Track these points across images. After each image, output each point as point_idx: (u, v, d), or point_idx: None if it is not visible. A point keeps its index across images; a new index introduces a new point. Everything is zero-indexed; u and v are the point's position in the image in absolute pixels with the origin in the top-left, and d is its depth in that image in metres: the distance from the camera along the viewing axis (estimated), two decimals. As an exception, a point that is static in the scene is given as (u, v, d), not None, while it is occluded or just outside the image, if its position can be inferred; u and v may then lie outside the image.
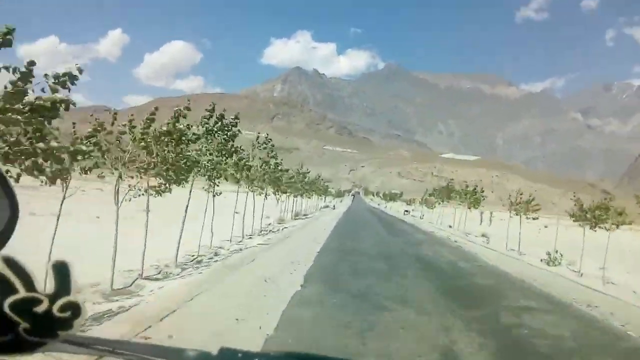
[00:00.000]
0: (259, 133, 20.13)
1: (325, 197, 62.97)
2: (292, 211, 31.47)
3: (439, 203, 41.00)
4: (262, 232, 19.67)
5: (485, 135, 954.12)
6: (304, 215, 36.01)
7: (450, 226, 33.92)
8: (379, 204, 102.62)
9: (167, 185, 9.10)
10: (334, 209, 54.55)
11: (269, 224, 23.24)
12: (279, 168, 21.86)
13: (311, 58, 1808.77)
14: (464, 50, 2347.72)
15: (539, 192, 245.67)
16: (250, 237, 17.24)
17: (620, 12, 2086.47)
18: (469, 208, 33.38)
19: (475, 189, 33.74)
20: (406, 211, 60.90)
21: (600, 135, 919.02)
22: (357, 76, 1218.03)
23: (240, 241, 15.66)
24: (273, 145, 20.11)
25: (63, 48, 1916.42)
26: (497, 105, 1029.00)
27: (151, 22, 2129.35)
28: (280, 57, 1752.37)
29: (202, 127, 11.83)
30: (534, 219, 22.91)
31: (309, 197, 39.32)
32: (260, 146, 19.02)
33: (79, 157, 6.07)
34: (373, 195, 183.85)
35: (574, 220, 16.68)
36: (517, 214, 23.10)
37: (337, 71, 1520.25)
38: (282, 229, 22.21)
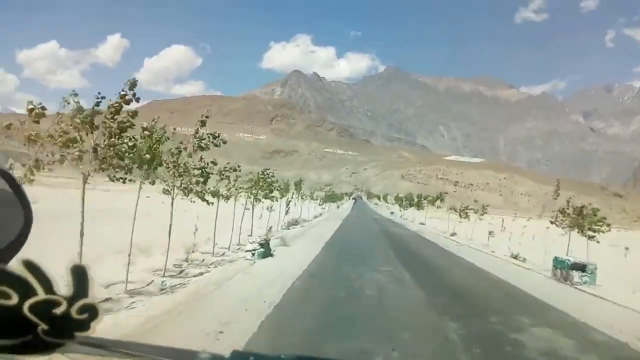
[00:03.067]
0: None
1: (298, 199, 37.06)
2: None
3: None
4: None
5: (486, 138, 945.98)
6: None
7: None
8: (392, 213, 71.94)
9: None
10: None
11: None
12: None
13: (311, 61, 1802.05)
14: (464, 52, 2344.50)
15: (549, 195, 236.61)
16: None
17: (620, 12, 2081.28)
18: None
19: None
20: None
21: (603, 137, 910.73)
22: (357, 79, 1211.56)
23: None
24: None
25: (63, 53, 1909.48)
26: (498, 108, 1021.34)
27: (151, 27, 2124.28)
28: (280, 61, 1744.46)
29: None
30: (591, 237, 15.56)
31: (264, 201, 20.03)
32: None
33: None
34: (379, 199, 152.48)
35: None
36: (576, 229, 15.99)
37: (337, 74, 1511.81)
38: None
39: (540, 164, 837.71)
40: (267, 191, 19.18)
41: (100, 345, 0.78)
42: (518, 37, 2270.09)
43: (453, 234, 28.08)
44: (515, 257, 18.05)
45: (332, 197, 73.18)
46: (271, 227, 20.58)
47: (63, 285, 0.60)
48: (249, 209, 18.08)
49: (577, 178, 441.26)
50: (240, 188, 16.41)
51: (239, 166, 16.39)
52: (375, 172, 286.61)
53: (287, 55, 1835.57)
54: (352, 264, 12.51)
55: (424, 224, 41.07)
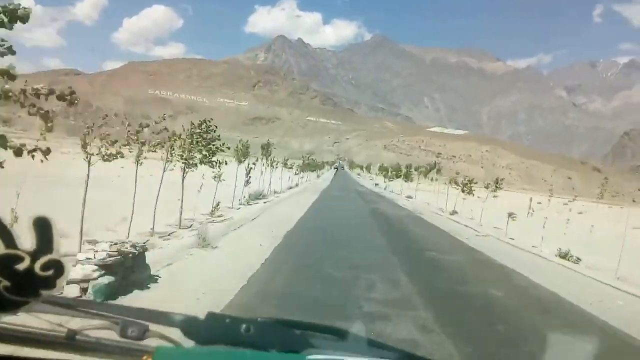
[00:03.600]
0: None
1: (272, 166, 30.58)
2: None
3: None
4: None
5: (470, 111, 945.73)
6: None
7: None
8: (377, 185, 57.70)
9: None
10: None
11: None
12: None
13: (296, 27, 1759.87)
14: (452, 23, 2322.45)
15: (531, 169, 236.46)
16: None
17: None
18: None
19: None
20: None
21: (584, 113, 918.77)
22: (343, 47, 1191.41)
23: None
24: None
25: (39, 10, 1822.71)
26: (483, 81, 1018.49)
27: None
28: (264, 25, 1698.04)
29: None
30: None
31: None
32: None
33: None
34: (362, 170, 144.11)
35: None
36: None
37: (323, 41, 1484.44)
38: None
39: (522, 137, 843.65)
40: (206, 153, 13.38)
41: (68, 305, 0.75)
42: (506, 10, 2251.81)
43: (472, 219, 20.98)
44: (565, 256, 12.46)
45: (311, 166, 64.33)
46: (219, 203, 15.44)
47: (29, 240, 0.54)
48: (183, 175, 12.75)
49: (559, 152, 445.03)
50: (157, 145, 11.09)
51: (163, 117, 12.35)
52: (358, 142, 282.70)
53: (271, 19, 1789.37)
54: (327, 292, 6.43)
55: (412, 198, 35.44)
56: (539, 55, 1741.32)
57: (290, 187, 33.40)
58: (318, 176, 75.37)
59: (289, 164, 44.01)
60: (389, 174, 51.83)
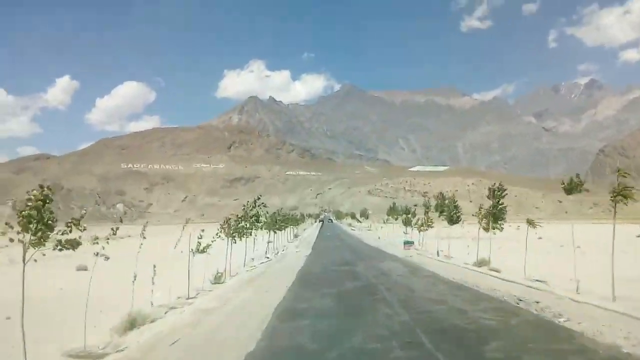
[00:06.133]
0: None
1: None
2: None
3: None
4: None
5: (445, 147, 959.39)
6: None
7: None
8: (410, 244, 32.80)
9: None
10: None
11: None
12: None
13: (266, 86, 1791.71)
14: (415, 65, 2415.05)
15: (519, 197, 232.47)
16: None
17: (560, 12, 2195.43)
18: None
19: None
20: None
21: (555, 136, 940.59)
22: (314, 100, 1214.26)
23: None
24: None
25: (11, 100, 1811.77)
26: (453, 116, 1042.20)
27: (101, 65, 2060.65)
28: (235, 89, 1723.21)
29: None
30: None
31: None
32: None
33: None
34: (353, 219, 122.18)
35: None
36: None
37: (294, 97, 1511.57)
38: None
39: (499, 166, 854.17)
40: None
41: None
42: (466, 46, 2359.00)
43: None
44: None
45: (284, 221, 39.64)
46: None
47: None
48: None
49: (537, 177, 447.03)
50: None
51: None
52: (340, 191, 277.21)
53: (242, 82, 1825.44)
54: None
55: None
56: (503, 86, 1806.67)
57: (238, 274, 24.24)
58: (296, 235, 55.02)
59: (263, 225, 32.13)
60: (409, 218, 40.98)
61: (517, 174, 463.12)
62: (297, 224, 66.69)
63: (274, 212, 35.57)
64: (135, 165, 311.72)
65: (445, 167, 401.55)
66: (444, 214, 27.22)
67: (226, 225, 16.26)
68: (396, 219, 57.09)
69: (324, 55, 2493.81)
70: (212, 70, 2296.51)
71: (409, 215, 41.57)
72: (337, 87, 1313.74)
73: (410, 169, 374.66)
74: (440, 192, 43.07)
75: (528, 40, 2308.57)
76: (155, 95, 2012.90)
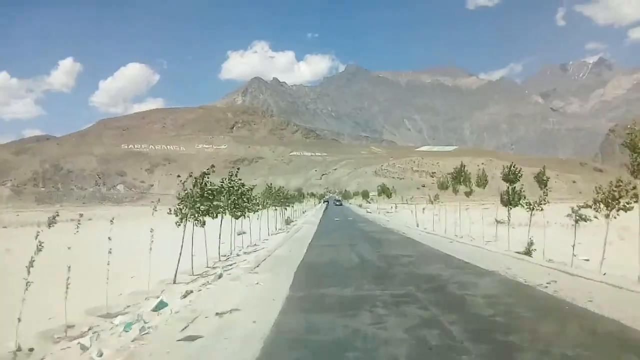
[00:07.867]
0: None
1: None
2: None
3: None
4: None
5: (452, 127, 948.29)
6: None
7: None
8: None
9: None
10: None
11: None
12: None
13: (271, 67, 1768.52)
14: (421, 45, 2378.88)
15: (530, 178, 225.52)
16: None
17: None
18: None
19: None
20: None
21: (563, 116, 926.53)
22: (319, 81, 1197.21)
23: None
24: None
25: (15, 83, 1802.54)
26: (460, 96, 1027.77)
27: (104, 47, 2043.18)
28: (239, 70, 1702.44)
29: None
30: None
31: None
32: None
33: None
34: (364, 199, 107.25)
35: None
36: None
37: (299, 78, 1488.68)
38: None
39: (506, 147, 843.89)
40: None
41: None
42: (472, 24, 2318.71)
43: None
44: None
45: (275, 199, 32.36)
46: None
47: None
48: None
49: (547, 157, 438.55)
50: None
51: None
52: (346, 171, 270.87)
53: (246, 63, 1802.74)
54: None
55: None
56: (510, 65, 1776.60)
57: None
58: (288, 223, 39.12)
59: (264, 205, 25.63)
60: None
61: (524, 155, 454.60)
62: (287, 205, 44.54)
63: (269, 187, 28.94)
64: (136, 146, 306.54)
65: (454, 147, 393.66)
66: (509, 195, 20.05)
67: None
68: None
69: (328, 36, 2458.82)
70: (216, 52, 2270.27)
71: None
72: (342, 67, 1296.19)
73: (417, 149, 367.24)
74: (449, 173, 34.09)
75: (536, 18, 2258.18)
76: (159, 77, 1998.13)
